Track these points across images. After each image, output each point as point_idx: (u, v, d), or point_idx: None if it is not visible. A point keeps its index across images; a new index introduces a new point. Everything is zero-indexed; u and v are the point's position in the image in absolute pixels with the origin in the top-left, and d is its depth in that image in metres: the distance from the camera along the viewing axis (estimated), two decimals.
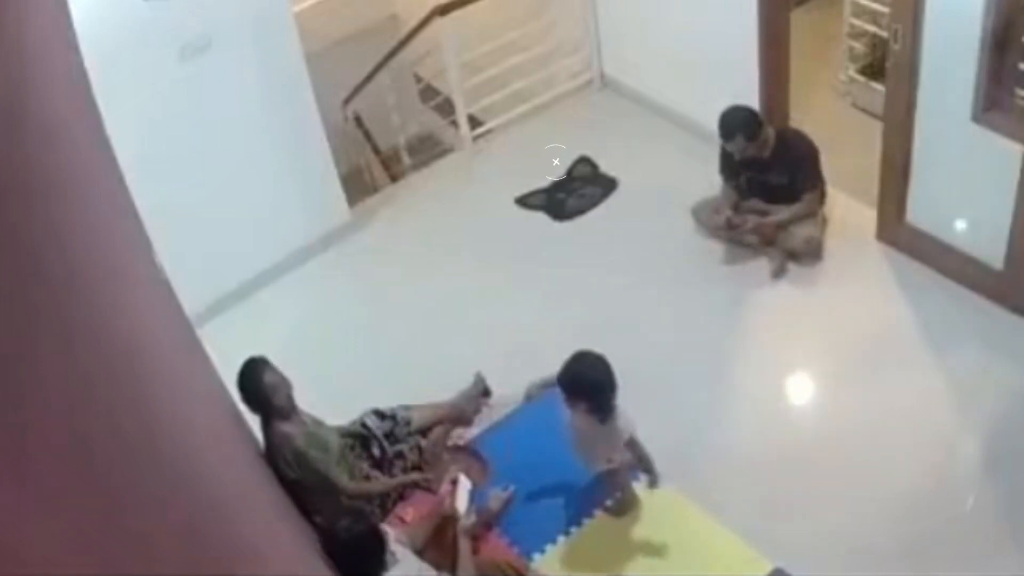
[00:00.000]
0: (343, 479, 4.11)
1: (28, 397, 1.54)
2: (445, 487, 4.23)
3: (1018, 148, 4.26)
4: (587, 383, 3.91)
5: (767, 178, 5.08)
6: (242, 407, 3.96)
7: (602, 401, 3.92)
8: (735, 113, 4.95)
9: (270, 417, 4.01)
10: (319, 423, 4.19)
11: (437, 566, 3.85)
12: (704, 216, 5.30)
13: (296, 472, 3.97)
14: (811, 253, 5.12)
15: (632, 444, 4.16)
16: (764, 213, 5.18)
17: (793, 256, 5.13)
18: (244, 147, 5.21)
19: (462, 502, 4.13)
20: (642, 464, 4.25)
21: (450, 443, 4.56)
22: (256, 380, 3.96)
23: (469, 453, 4.53)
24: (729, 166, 5.16)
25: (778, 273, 5.11)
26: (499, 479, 4.40)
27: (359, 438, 4.38)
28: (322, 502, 4.03)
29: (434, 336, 5.14)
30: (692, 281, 5.18)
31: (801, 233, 5.08)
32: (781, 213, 5.10)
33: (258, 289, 5.54)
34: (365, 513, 4.08)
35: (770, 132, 5.00)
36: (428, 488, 4.35)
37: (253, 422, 4.05)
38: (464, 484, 4.22)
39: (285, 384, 4.02)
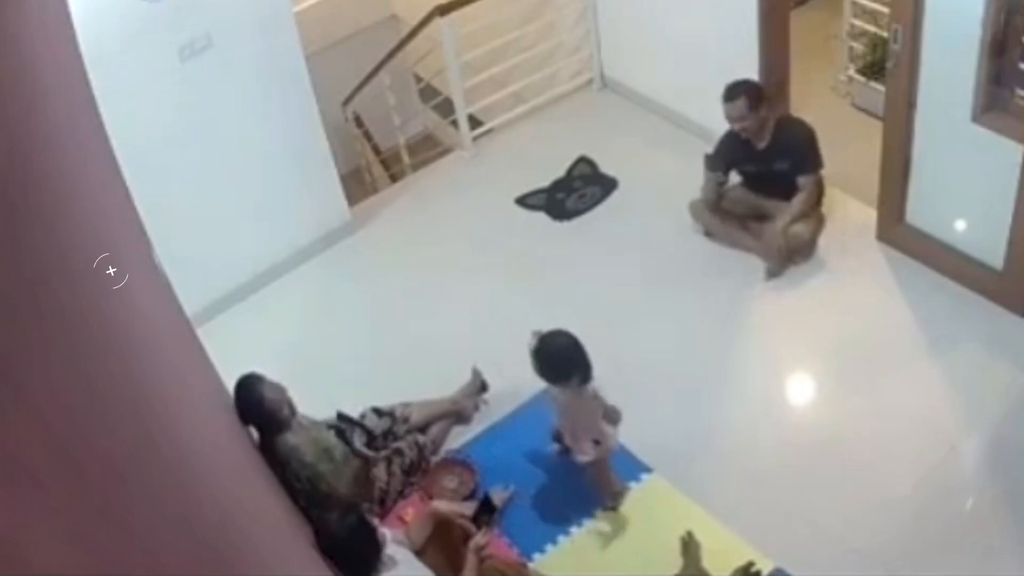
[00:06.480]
0: (353, 489, 4.09)
1: (28, 396, 1.54)
2: (466, 505, 4.16)
3: (1018, 148, 4.26)
4: (568, 360, 3.91)
5: (770, 167, 5.06)
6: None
7: (585, 370, 3.91)
8: (742, 80, 4.95)
9: (273, 431, 3.94)
10: (315, 423, 4.17)
11: (437, 568, 3.84)
12: (701, 215, 5.31)
13: (305, 485, 3.92)
14: (808, 253, 5.12)
15: (610, 415, 4.09)
16: (753, 206, 5.18)
17: (792, 256, 5.13)
18: (244, 147, 5.21)
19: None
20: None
21: (436, 458, 4.51)
22: (257, 398, 3.87)
23: (458, 462, 4.51)
24: (721, 154, 5.13)
25: (776, 273, 5.11)
26: (498, 480, 4.39)
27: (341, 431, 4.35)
28: (321, 506, 3.97)
29: (433, 335, 5.14)
30: (692, 281, 5.18)
31: (800, 233, 5.08)
32: (781, 217, 5.08)
33: (258, 289, 5.54)
34: (356, 504, 4.04)
35: (770, 116, 4.99)
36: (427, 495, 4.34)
37: None
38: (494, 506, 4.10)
39: (285, 396, 3.96)
